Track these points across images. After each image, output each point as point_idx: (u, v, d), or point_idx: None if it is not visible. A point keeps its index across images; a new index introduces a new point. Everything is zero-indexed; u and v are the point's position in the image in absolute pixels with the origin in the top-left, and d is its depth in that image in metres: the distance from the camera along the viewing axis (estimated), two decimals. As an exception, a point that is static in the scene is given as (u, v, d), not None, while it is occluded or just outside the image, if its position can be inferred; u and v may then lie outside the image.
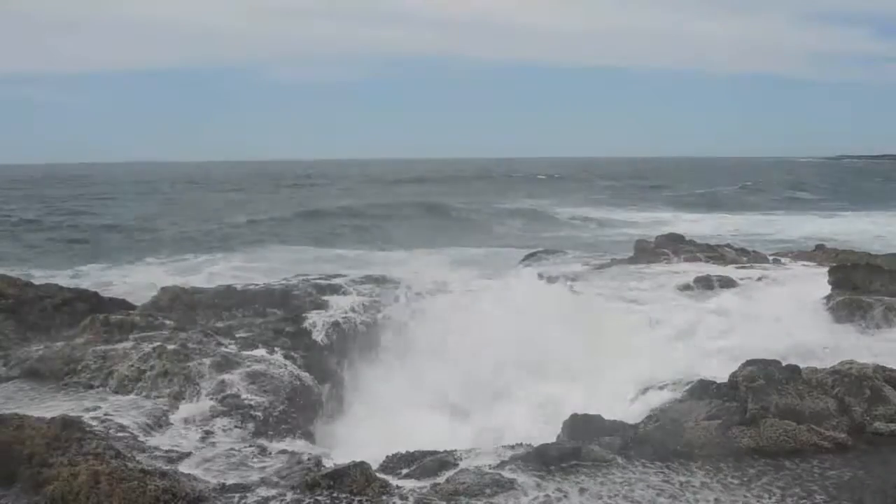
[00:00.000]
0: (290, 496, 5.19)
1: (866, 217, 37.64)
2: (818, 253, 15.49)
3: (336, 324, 9.68)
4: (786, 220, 37.97)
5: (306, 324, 9.52)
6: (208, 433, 6.37)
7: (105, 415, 6.55)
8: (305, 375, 8.22)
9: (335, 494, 5.16)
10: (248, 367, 7.91)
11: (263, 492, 5.26)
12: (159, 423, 6.47)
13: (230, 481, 5.40)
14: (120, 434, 6.02)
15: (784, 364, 7.10)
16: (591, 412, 6.97)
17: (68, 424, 5.65)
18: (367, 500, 5.12)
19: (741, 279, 12.39)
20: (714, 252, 15.29)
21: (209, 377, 7.48)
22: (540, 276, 12.58)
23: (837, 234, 29.23)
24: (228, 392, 7.31)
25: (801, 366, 7.15)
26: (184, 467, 5.61)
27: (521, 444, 6.14)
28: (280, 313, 10.00)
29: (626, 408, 7.84)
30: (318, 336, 9.35)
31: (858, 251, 15.50)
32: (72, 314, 9.88)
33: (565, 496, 5.19)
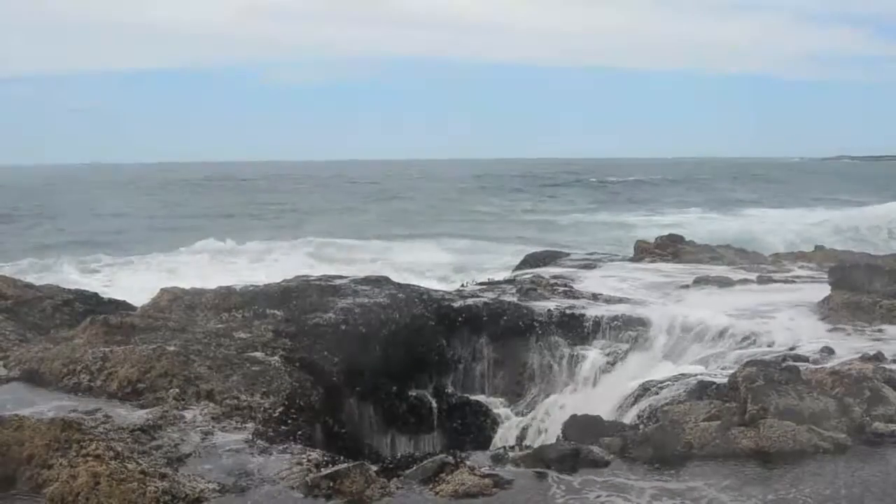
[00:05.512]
0: (289, 497, 5.20)
1: None
2: (818, 253, 15.51)
3: (336, 325, 9.68)
4: None
5: (306, 325, 9.52)
6: (208, 434, 6.37)
7: (105, 416, 6.55)
8: (305, 377, 8.23)
9: (335, 495, 5.16)
10: (248, 368, 7.92)
11: (263, 492, 5.27)
12: (159, 424, 6.46)
13: (230, 482, 5.41)
14: (120, 435, 6.02)
15: (783, 365, 7.11)
16: (591, 413, 6.99)
17: (68, 426, 5.64)
18: (366, 501, 5.13)
19: (740, 279, 12.41)
20: (713, 252, 15.32)
21: (209, 378, 7.48)
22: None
23: None
24: (228, 393, 7.32)
25: (801, 366, 7.16)
26: (184, 468, 5.62)
27: (520, 446, 6.16)
28: (280, 314, 10.00)
29: (626, 408, 7.86)
30: (319, 337, 9.35)
31: (858, 251, 15.53)
32: (71, 315, 9.90)
33: (564, 497, 5.19)
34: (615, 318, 10.35)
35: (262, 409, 7.22)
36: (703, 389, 7.11)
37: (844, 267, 10.76)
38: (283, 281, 11.54)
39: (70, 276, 22.79)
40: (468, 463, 5.64)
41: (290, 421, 7.27)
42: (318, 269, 12.26)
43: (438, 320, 10.43)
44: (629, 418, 7.45)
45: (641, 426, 6.56)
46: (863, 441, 6.02)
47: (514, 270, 15.26)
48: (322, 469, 5.53)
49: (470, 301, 10.93)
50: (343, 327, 9.66)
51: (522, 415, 9.69)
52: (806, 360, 7.88)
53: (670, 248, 15.60)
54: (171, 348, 7.86)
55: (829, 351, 8.18)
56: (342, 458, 6.09)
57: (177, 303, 10.32)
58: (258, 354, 8.41)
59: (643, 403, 7.62)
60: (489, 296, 11.34)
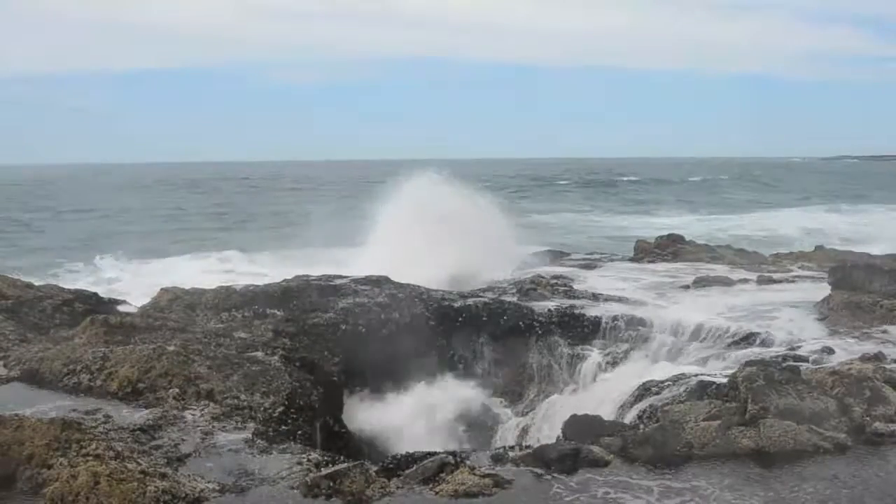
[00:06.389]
0: (289, 497, 5.19)
1: None
2: (817, 253, 15.50)
3: (336, 325, 9.68)
4: None
5: (306, 325, 9.52)
6: (208, 434, 6.37)
7: (105, 416, 6.56)
8: (305, 377, 8.23)
9: (335, 495, 5.16)
10: (248, 368, 7.91)
11: (263, 492, 5.27)
12: (159, 424, 6.47)
13: (230, 482, 5.40)
14: (120, 435, 6.02)
15: (784, 365, 7.11)
16: (591, 413, 6.98)
17: (68, 425, 5.64)
18: (366, 501, 5.13)
19: (740, 280, 12.41)
20: (714, 252, 15.32)
21: (209, 378, 7.48)
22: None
23: None
24: (228, 393, 7.31)
25: (801, 366, 7.16)
26: (184, 468, 5.61)
27: (520, 446, 6.15)
28: (280, 314, 10.01)
29: (626, 408, 7.85)
30: (319, 337, 9.36)
31: (858, 251, 15.51)
32: (71, 315, 9.90)
33: (564, 497, 5.18)
34: (615, 318, 10.36)
35: (262, 408, 7.22)
36: (703, 389, 7.11)
37: (844, 267, 10.75)
38: (283, 281, 11.55)
39: (72, 276, 22.77)
40: (468, 462, 5.64)
41: (290, 421, 7.27)
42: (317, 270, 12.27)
43: (438, 320, 10.43)
44: (629, 418, 7.45)
45: (641, 426, 6.55)
46: (863, 441, 6.02)
47: (514, 270, 15.25)
48: (322, 469, 5.53)
49: (470, 301, 10.93)
50: (343, 327, 9.67)
51: (522, 415, 9.69)
52: (806, 360, 7.88)
53: (670, 247, 15.61)
54: (171, 348, 7.86)
55: (829, 351, 8.18)
56: (342, 458, 6.09)
57: (177, 303, 10.33)
58: (258, 354, 8.41)
59: (643, 403, 7.62)
60: (489, 296, 11.35)
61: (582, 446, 5.84)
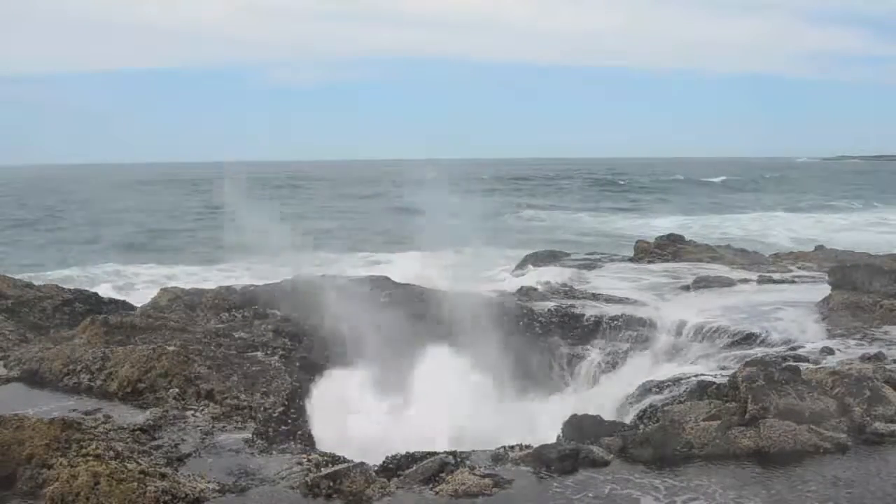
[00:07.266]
0: (289, 497, 5.19)
1: None
2: (817, 253, 15.50)
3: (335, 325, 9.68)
4: None
5: (306, 325, 9.53)
6: (208, 434, 6.38)
7: (105, 416, 6.56)
8: (305, 377, 8.24)
9: (335, 495, 5.16)
10: (248, 367, 7.92)
11: (263, 492, 5.27)
12: (159, 424, 6.47)
13: (230, 482, 5.41)
14: (120, 435, 6.02)
15: (784, 365, 7.11)
16: (591, 413, 6.98)
17: (68, 425, 5.65)
18: (366, 501, 5.13)
19: (740, 280, 12.40)
20: (714, 252, 15.31)
21: (209, 378, 7.48)
22: None
23: None
24: (228, 393, 7.32)
25: (801, 366, 7.16)
26: (184, 468, 5.61)
27: (520, 445, 6.15)
28: (279, 314, 10.01)
29: (627, 408, 7.86)
30: (318, 337, 9.36)
31: (858, 251, 15.51)
32: (71, 315, 9.92)
33: (564, 497, 5.18)
34: (615, 318, 10.36)
35: (262, 408, 7.22)
36: (703, 389, 7.11)
37: (844, 267, 10.75)
38: (283, 281, 11.55)
39: (72, 276, 22.81)
40: (468, 463, 5.64)
41: (290, 421, 7.28)
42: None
43: (439, 319, 10.41)
44: (629, 418, 7.45)
45: (641, 426, 6.56)
46: (863, 441, 6.02)
47: (514, 270, 15.25)
48: (322, 469, 5.53)
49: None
50: (343, 326, 9.66)
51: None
52: (806, 360, 7.87)
53: (670, 248, 15.60)
54: (171, 348, 7.87)
55: (829, 351, 8.18)
56: (342, 457, 6.09)
57: (177, 303, 10.34)
58: (258, 354, 8.42)
59: (643, 403, 7.62)
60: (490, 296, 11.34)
61: (582, 446, 5.84)
